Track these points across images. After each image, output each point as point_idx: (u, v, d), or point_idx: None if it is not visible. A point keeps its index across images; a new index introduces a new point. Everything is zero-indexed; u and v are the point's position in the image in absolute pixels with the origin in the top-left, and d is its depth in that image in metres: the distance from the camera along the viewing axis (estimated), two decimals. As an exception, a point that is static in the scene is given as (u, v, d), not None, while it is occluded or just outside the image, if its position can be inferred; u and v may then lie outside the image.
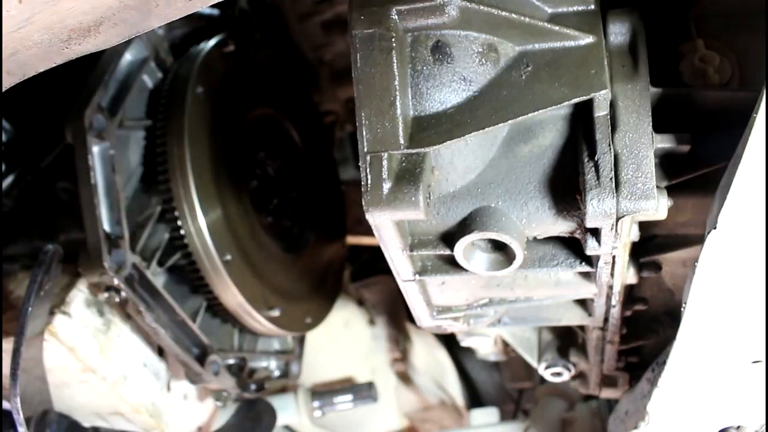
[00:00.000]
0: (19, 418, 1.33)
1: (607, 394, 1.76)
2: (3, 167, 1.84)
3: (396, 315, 2.76)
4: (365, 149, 1.06)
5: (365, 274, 2.78)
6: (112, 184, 1.47)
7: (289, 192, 2.04)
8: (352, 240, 2.44)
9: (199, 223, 1.57)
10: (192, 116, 1.62)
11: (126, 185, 1.58)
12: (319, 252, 2.15)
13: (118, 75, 1.58)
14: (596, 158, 1.04)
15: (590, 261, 1.15)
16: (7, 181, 1.83)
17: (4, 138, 1.87)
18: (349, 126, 2.66)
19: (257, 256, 1.77)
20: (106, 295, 1.44)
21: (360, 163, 1.08)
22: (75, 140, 1.45)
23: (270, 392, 1.90)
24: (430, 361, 2.66)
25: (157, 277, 1.57)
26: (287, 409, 2.27)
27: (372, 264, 2.73)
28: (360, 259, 2.72)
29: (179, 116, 1.60)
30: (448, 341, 2.65)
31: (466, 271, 1.15)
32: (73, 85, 1.57)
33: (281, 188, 2.00)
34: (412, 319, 2.66)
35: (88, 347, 1.50)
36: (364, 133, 1.06)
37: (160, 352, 1.71)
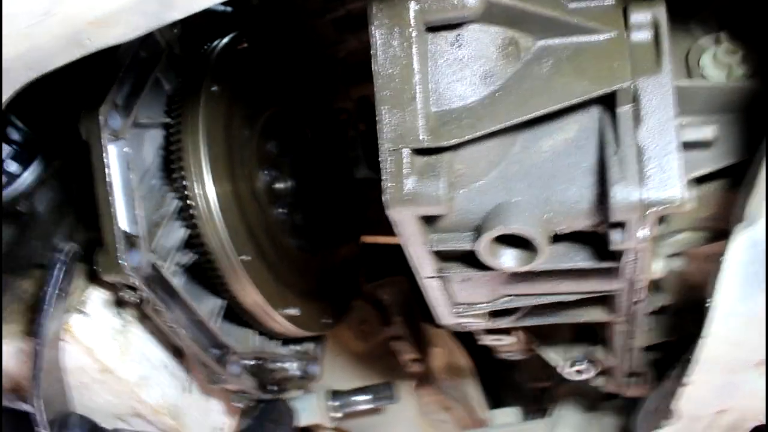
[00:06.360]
0: (43, 420, 1.32)
1: (632, 392, 1.73)
2: (18, 168, 1.84)
3: (413, 315, 2.74)
4: (386, 144, 1.05)
5: (381, 275, 2.76)
6: (128, 183, 1.45)
7: (304, 190, 2.03)
8: (367, 239, 2.42)
9: (215, 221, 1.55)
10: (207, 114, 1.60)
11: (141, 184, 1.57)
12: (335, 251, 2.14)
13: (132, 72, 1.57)
14: (620, 152, 1.03)
15: (614, 256, 1.13)
16: (26, 182, 1.83)
17: (20, 138, 1.87)
18: (362, 125, 2.64)
19: (273, 254, 1.75)
20: (123, 294, 1.43)
21: (380, 159, 1.07)
22: (90, 138, 1.44)
23: (289, 393, 1.89)
24: (449, 362, 2.64)
25: (175, 277, 1.56)
26: (307, 410, 2.26)
27: (387, 264, 2.71)
28: (375, 259, 2.71)
29: (194, 114, 1.59)
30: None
31: (489, 267, 1.14)
32: (86, 85, 1.57)
33: (296, 186, 1.99)
34: (429, 319, 2.64)
35: (106, 348, 1.49)
36: (384, 128, 1.05)
37: (180, 353, 1.70)
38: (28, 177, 1.85)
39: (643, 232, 1.03)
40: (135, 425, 1.63)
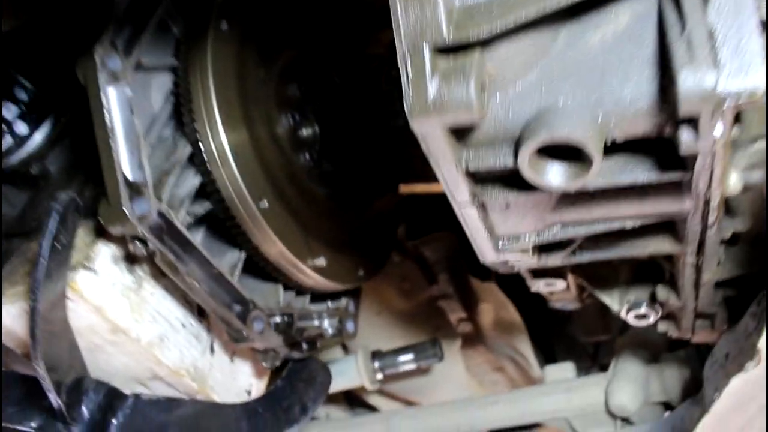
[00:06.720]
0: (47, 382, 1.21)
1: (701, 337, 1.55)
2: (27, 128, 1.76)
3: (459, 272, 2.60)
4: (403, 45, 0.90)
5: (423, 231, 2.62)
6: (131, 127, 1.34)
7: (333, 137, 1.88)
8: (405, 189, 2.27)
9: (229, 165, 1.42)
10: (216, 53, 1.48)
11: (149, 131, 1.45)
12: (369, 201, 1.99)
13: (132, 14, 1.45)
14: (686, 33, 0.84)
15: (683, 164, 0.95)
16: (37, 143, 1.75)
17: (27, 98, 1.78)
18: (394, 71, 2.48)
19: (298, 201, 1.62)
20: (132, 247, 1.31)
21: (399, 63, 0.92)
22: (87, 81, 1.33)
23: (326, 353, 1.76)
24: (498, 317, 2.48)
25: (191, 230, 1.45)
26: (347, 373, 2.14)
27: (430, 220, 2.56)
28: (417, 216, 2.56)
29: (202, 53, 1.46)
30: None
31: (533, 187, 0.97)
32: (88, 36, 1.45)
33: (323, 133, 1.85)
34: (477, 274, 2.50)
35: (117, 306, 1.38)
36: (400, 25, 0.90)
37: (202, 312, 1.59)
38: (38, 138, 1.78)
39: (719, 129, 0.85)
40: (155, 389, 1.52)
